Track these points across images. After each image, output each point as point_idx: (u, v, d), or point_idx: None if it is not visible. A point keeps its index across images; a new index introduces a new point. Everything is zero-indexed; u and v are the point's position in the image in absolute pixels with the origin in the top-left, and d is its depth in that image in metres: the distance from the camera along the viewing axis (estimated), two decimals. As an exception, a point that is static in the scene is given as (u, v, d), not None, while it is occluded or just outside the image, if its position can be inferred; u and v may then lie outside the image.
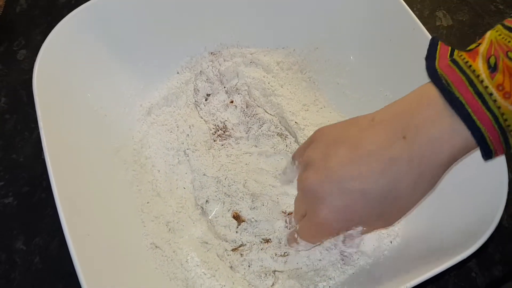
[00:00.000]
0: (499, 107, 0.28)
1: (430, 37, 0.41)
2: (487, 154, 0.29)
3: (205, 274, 0.41)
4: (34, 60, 0.41)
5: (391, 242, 0.42)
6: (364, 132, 0.32)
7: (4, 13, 0.58)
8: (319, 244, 0.39)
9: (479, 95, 0.28)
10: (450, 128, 0.29)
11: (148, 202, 0.44)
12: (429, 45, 0.33)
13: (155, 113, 0.50)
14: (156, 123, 0.49)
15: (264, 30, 0.52)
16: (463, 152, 0.30)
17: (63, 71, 0.44)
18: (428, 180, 0.31)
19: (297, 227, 0.37)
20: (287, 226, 0.42)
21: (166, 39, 0.50)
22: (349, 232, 0.34)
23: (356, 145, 0.31)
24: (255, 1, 0.51)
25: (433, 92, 0.30)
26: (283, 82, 0.52)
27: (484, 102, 0.28)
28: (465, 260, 0.34)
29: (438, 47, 0.32)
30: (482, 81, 0.28)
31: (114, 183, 0.43)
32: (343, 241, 0.37)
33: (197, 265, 0.41)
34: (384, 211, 0.32)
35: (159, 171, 0.46)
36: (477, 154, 0.39)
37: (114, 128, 0.46)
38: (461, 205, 0.40)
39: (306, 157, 0.34)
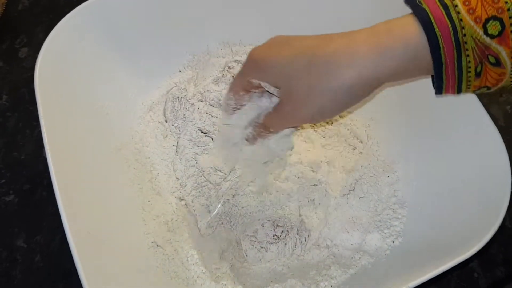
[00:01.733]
0: (461, 20, 0.27)
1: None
2: (438, 67, 0.29)
3: (203, 273, 0.41)
4: (36, 58, 0.41)
5: (393, 242, 0.41)
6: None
7: (6, 11, 0.58)
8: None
9: (444, 6, 0.28)
10: (403, 31, 0.28)
11: (149, 201, 0.44)
12: None
13: (154, 111, 0.49)
14: (154, 121, 0.49)
15: (266, 28, 0.51)
16: (405, 63, 0.29)
17: (64, 69, 0.44)
18: (340, 88, 0.30)
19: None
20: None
21: (168, 37, 0.50)
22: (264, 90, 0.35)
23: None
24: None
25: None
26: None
27: (448, 12, 0.27)
28: (467, 261, 0.34)
29: None
30: None
31: (116, 182, 0.43)
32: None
33: (198, 264, 0.41)
34: (289, 89, 0.32)
35: (158, 170, 0.46)
36: (480, 155, 0.40)
37: (115, 126, 0.46)
38: (464, 206, 0.40)
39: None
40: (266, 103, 0.36)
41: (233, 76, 0.50)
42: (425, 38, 0.28)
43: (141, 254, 0.40)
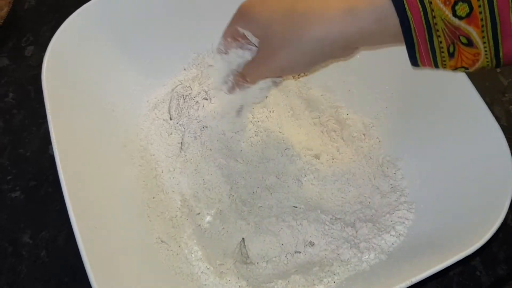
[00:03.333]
0: (430, 2, 0.28)
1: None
2: (411, 47, 0.30)
3: (208, 268, 0.41)
4: (42, 56, 0.42)
5: (396, 239, 0.42)
6: None
7: (13, 10, 0.58)
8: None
9: None
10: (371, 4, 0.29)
11: (154, 198, 0.44)
12: None
13: (159, 109, 0.50)
14: (159, 119, 0.49)
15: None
16: (373, 33, 0.30)
17: (70, 66, 0.44)
18: (309, 42, 0.32)
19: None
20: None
21: (173, 36, 0.50)
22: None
23: None
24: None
25: None
26: (288, 79, 0.52)
27: None
28: (469, 259, 0.34)
29: None
30: None
31: (121, 178, 0.44)
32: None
33: (202, 260, 0.41)
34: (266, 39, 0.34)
35: (162, 167, 0.47)
36: (482, 154, 0.40)
37: (121, 124, 0.47)
38: (466, 203, 0.40)
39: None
40: (248, 54, 0.38)
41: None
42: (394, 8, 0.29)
43: (146, 249, 0.41)
